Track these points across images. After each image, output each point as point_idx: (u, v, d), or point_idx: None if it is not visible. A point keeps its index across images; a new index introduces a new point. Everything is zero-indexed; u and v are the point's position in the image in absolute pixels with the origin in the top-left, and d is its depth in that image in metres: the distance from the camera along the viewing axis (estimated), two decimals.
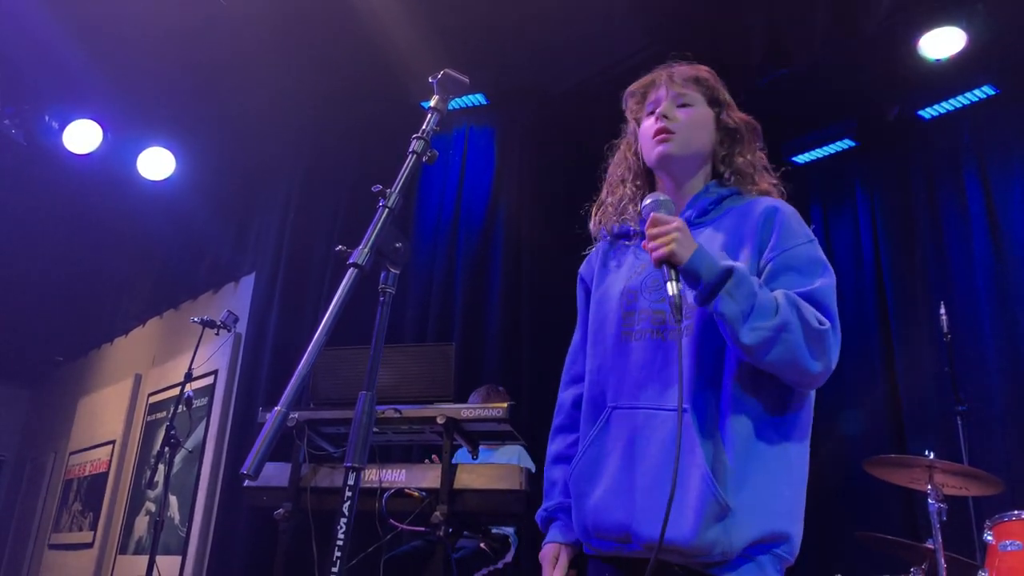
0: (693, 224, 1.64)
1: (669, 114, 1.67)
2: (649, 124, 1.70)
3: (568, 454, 1.72)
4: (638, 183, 1.76)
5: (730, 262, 1.47)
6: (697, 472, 1.44)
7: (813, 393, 1.61)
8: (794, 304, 1.45)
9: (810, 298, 1.49)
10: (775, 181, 1.72)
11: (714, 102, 1.71)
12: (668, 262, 1.46)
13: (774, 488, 1.47)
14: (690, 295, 1.51)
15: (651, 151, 1.69)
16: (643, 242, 1.53)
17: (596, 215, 1.81)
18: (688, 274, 1.47)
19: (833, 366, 1.49)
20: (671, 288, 1.45)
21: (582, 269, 1.85)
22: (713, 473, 1.43)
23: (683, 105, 1.70)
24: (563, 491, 1.70)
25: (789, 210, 1.62)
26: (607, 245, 1.79)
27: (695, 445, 1.45)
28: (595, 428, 1.60)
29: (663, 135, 1.66)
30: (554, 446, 1.78)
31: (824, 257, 1.59)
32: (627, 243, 1.75)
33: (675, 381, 1.50)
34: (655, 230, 1.49)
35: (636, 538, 1.48)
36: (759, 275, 1.54)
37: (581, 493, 1.59)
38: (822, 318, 1.47)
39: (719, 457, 1.45)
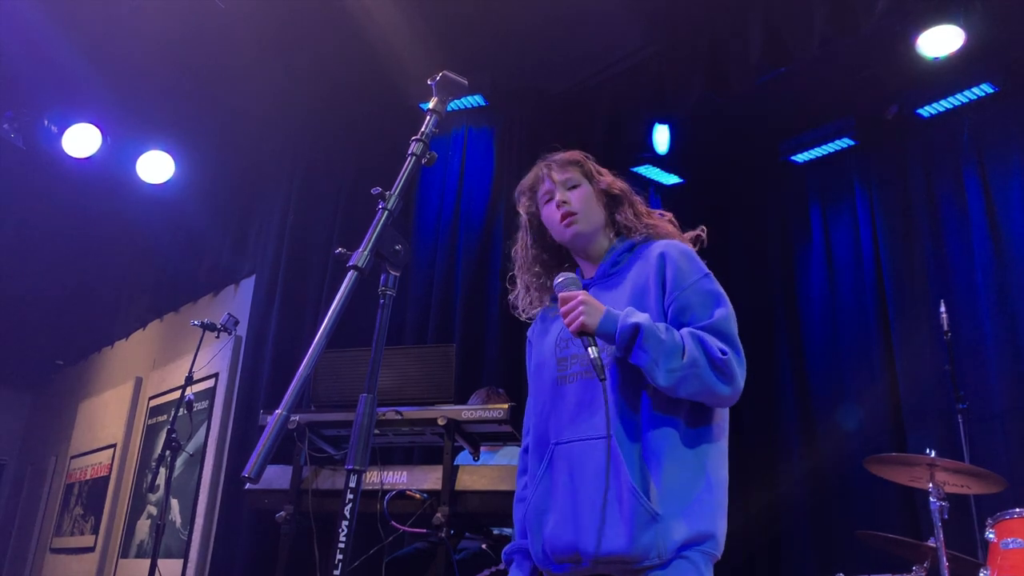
0: (608, 276, 1.89)
1: (565, 199, 1.90)
2: (551, 212, 1.92)
3: (525, 496, 1.89)
4: (544, 257, 2.00)
5: (635, 318, 1.68)
6: (625, 488, 1.63)
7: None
8: (698, 340, 1.67)
9: (711, 329, 1.70)
10: (660, 221, 1.94)
11: (590, 177, 1.95)
12: (583, 332, 1.70)
13: (696, 493, 1.66)
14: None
15: (562, 234, 1.92)
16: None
17: (523, 300, 2.03)
18: (602, 336, 1.70)
19: (741, 386, 1.69)
20: (592, 353, 1.68)
21: (530, 331, 2.06)
22: (639, 487, 1.62)
23: (571, 187, 1.93)
24: (521, 532, 1.88)
25: (678, 250, 1.82)
26: (544, 310, 2.03)
27: (621, 465, 1.65)
28: (542, 466, 1.81)
29: (569, 218, 1.89)
30: (517, 489, 1.97)
31: (719, 288, 1.79)
32: (554, 305, 1.93)
33: (601, 414, 1.70)
34: (564, 308, 1.74)
35: (584, 555, 1.66)
36: (666, 313, 1.76)
37: (538, 525, 1.77)
38: (723, 347, 1.68)
39: (644, 472, 1.65)
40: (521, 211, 2.04)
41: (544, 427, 1.83)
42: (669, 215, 1.98)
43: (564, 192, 1.91)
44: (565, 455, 1.75)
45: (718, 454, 1.75)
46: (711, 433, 1.74)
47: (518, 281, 2.04)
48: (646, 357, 1.65)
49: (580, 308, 1.70)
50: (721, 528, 1.69)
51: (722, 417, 1.79)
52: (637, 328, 1.66)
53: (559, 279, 1.81)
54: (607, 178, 1.96)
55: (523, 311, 2.03)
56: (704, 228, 1.94)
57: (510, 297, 2.06)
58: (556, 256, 2.01)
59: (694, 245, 1.89)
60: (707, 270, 1.81)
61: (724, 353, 1.66)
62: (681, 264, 1.79)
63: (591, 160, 2.00)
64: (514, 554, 1.90)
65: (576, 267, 1.99)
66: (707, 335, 1.68)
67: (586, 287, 1.89)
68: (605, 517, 1.63)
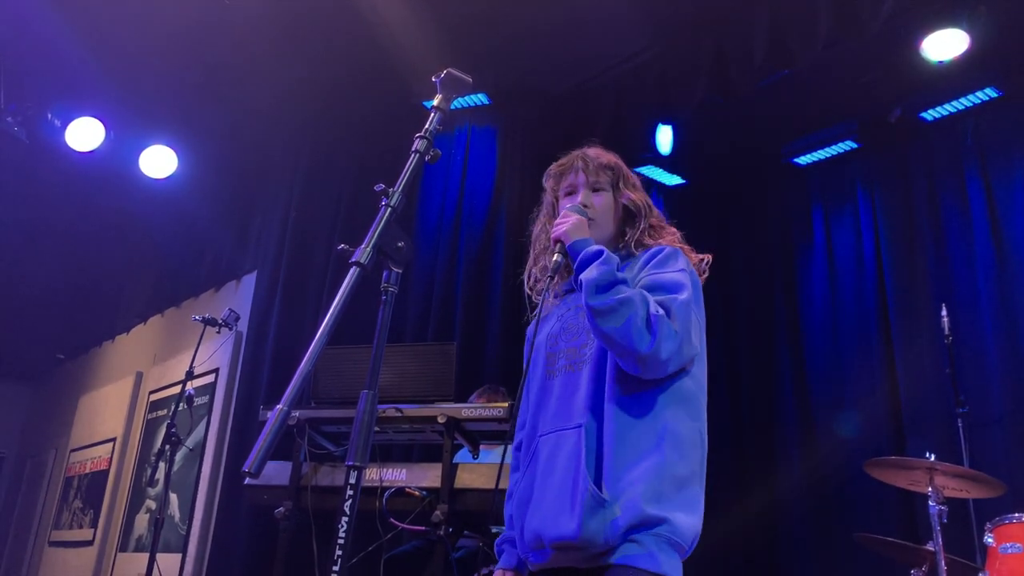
0: None
1: (587, 202, 1.93)
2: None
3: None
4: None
5: (606, 251, 1.77)
6: (580, 474, 1.65)
7: (700, 399, 1.79)
8: (644, 296, 1.69)
9: (663, 302, 1.71)
10: (671, 237, 1.95)
11: (616, 187, 1.97)
12: (560, 240, 1.82)
13: (648, 479, 1.63)
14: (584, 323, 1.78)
15: None
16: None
17: (528, 282, 2.04)
18: (572, 251, 1.80)
19: (664, 356, 1.65)
20: (556, 258, 1.83)
21: (528, 330, 2.08)
22: (591, 472, 1.65)
23: (596, 190, 1.96)
24: (509, 523, 1.90)
25: (671, 249, 1.86)
26: (541, 307, 2.00)
27: (580, 452, 1.68)
28: (528, 456, 1.85)
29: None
30: (509, 486, 1.98)
31: (690, 284, 1.77)
32: (553, 301, 2.01)
33: (579, 405, 1.74)
34: (559, 219, 1.86)
35: (545, 540, 1.68)
36: None
37: (520, 515, 1.79)
38: (662, 312, 1.68)
39: (599, 458, 1.67)
40: (547, 190, 2.05)
41: (534, 420, 1.87)
42: (674, 235, 1.97)
43: (588, 195, 1.94)
44: (545, 446, 1.78)
45: (681, 445, 1.70)
46: (679, 419, 1.72)
47: (532, 263, 2.04)
48: (593, 275, 1.69)
49: (571, 220, 1.83)
50: (682, 514, 1.64)
51: (691, 413, 1.76)
52: (601, 252, 1.75)
53: (568, 207, 1.89)
54: (632, 193, 1.97)
55: (530, 288, 2.03)
56: (710, 257, 1.92)
57: (523, 273, 2.05)
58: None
59: (699, 271, 1.88)
60: (690, 270, 1.82)
61: (659, 312, 1.67)
62: (669, 256, 1.83)
63: (624, 169, 2.00)
64: (504, 544, 1.92)
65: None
66: (654, 298, 1.70)
67: (568, 291, 1.94)
68: (561, 503, 1.66)
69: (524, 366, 2.03)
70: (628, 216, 1.96)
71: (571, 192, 1.97)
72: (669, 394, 1.74)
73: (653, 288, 1.74)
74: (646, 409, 1.71)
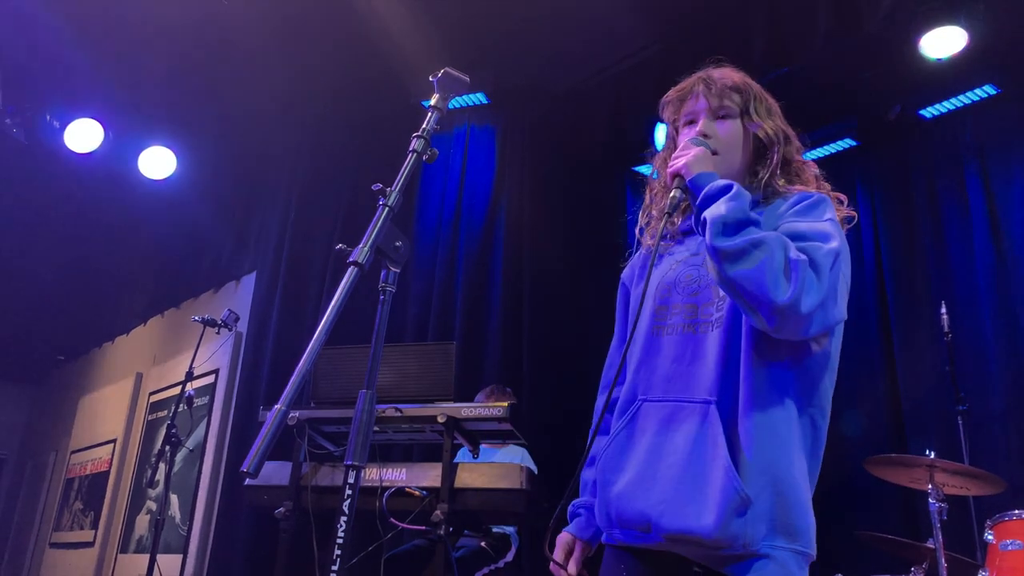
0: None
1: (709, 132, 1.67)
2: (685, 138, 1.68)
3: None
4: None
5: (736, 185, 1.52)
6: (720, 464, 1.44)
7: (830, 383, 1.59)
8: (782, 239, 1.43)
9: (808, 253, 1.44)
10: (811, 178, 1.70)
11: (746, 111, 1.71)
12: (679, 175, 1.57)
13: (791, 482, 1.45)
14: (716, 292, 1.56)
15: None
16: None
17: (643, 218, 1.81)
18: (693, 186, 1.54)
19: (804, 308, 1.40)
20: (674, 194, 1.57)
21: (624, 274, 1.87)
22: (735, 466, 1.44)
23: (721, 117, 1.70)
24: (592, 491, 1.71)
25: (820, 196, 1.60)
26: (648, 249, 1.78)
27: (719, 438, 1.46)
28: (623, 420, 1.61)
29: None
30: (591, 450, 1.75)
31: (839, 235, 1.52)
32: (665, 245, 1.75)
33: (704, 375, 1.52)
34: (677, 151, 1.60)
35: (656, 528, 1.49)
36: None
37: (606, 482, 1.59)
38: (804, 257, 1.42)
39: (740, 450, 1.46)
40: (665, 121, 1.81)
41: (635, 380, 1.63)
42: (816, 176, 1.71)
43: (710, 123, 1.68)
44: (654, 414, 1.55)
45: (822, 436, 1.54)
46: (815, 412, 1.54)
47: (649, 199, 1.79)
48: (719, 211, 1.45)
49: (692, 152, 1.57)
50: (813, 522, 1.48)
51: (827, 397, 1.57)
52: (731, 186, 1.50)
53: (688, 139, 1.64)
54: (766, 121, 1.71)
55: (644, 226, 1.79)
56: (856, 216, 1.67)
57: (645, 209, 1.80)
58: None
59: (844, 223, 1.62)
60: (836, 220, 1.56)
61: (800, 257, 1.41)
62: (814, 204, 1.57)
63: (756, 91, 1.75)
64: (581, 508, 1.72)
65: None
66: (795, 245, 1.44)
67: (687, 232, 1.70)
68: (691, 493, 1.46)
69: (617, 314, 1.84)
70: (761, 149, 1.70)
71: (691, 121, 1.71)
72: (810, 376, 1.54)
73: (793, 237, 1.47)
74: (787, 392, 1.50)
